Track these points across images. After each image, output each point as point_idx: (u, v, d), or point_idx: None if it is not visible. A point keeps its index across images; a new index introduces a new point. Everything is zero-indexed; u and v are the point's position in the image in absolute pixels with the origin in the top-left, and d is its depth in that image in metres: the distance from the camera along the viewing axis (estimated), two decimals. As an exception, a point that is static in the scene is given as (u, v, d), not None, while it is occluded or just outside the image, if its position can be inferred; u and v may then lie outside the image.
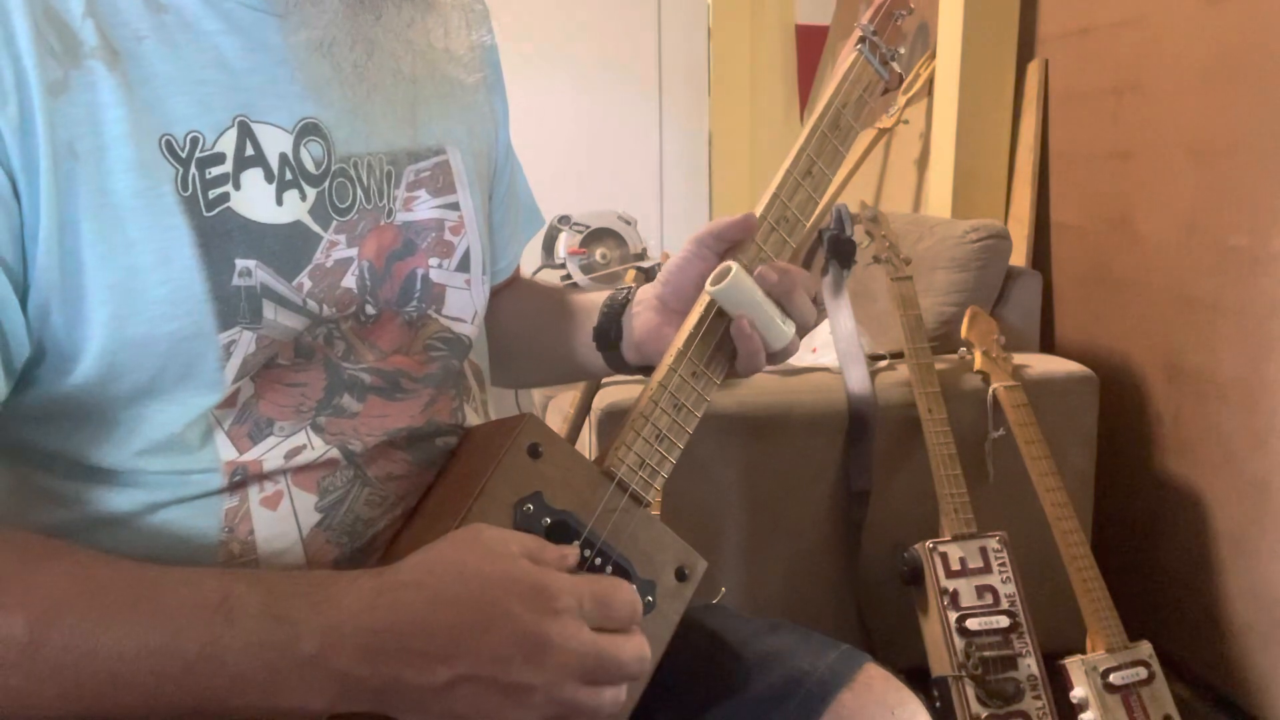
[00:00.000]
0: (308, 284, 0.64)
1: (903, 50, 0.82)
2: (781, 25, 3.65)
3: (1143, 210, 1.84)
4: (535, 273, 2.44)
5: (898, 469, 1.70)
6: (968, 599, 1.54)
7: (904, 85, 2.37)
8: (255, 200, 0.62)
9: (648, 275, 2.21)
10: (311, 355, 0.66)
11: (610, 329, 0.84)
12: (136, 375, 0.59)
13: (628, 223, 2.59)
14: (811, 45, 3.56)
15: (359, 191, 0.67)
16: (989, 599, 1.54)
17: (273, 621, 0.55)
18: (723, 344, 0.74)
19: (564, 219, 2.55)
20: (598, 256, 2.54)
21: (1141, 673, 1.50)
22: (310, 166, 0.64)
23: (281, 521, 0.65)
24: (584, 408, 1.77)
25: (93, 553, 0.57)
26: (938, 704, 1.50)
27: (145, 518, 0.62)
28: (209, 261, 0.59)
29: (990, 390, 1.68)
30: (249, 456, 0.64)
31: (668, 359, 0.73)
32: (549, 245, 2.57)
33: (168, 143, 0.59)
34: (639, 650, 0.60)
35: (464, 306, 0.74)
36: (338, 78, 0.64)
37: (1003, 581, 1.55)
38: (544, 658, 0.56)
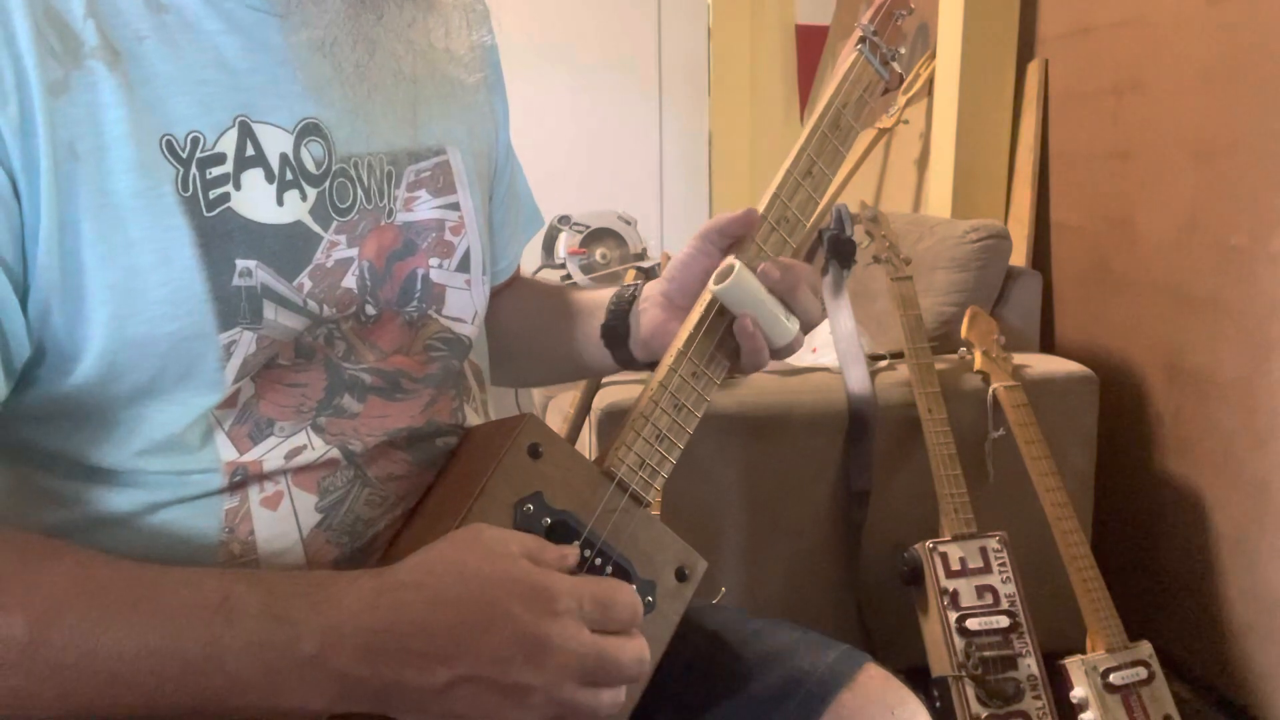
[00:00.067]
0: (308, 284, 0.64)
1: (903, 50, 0.82)
2: (781, 25, 3.65)
3: (1143, 210, 1.84)
4: (535, 272, 2.44)
5: (898, 469, 1.70)
6: (968, 599, 1.54)
7: (904, 85, 2.37)
8: (256, 200, 0.62)
9: (648, 275, 2.21)
10: (312, 355, 0.66)
11: (619, 326, 0.84)
12: (137, 375, 0.59)
13: (628, 223, 2.59)
14: (811, 45, 3.56)
15: (359, 192, 0.67)
16: (989, 599, 1.54)
17: (273, 622, 0.55)
18: (724, 342, 0.74)
19: (564, 219, 2.55)
20: (598, 256, 2.54)
21: (1141, 673, 1.50)
22: (311, 166, 0.64)
23: (282, 522, 0.65)
24: (584, 408, 1.77)
25: (93, 553, 0.57)
26: (938, 704, 1.50)
27: (145, 518, 0.62)
28: (209, 262, 0.59)
29: (990, 390, 1.68)
30: (249, 457, 0.64)
31: (667, 359, 0.73)
32: (549, 245, 2.57)
33: (168, 143, 0.59)
34: (638, 652, 0.60)
35: (464, 307, 0.74)
36: (339, 78, 0.64)
37: (1003, 581, 1.55)
38: (544, 659, 0.56)
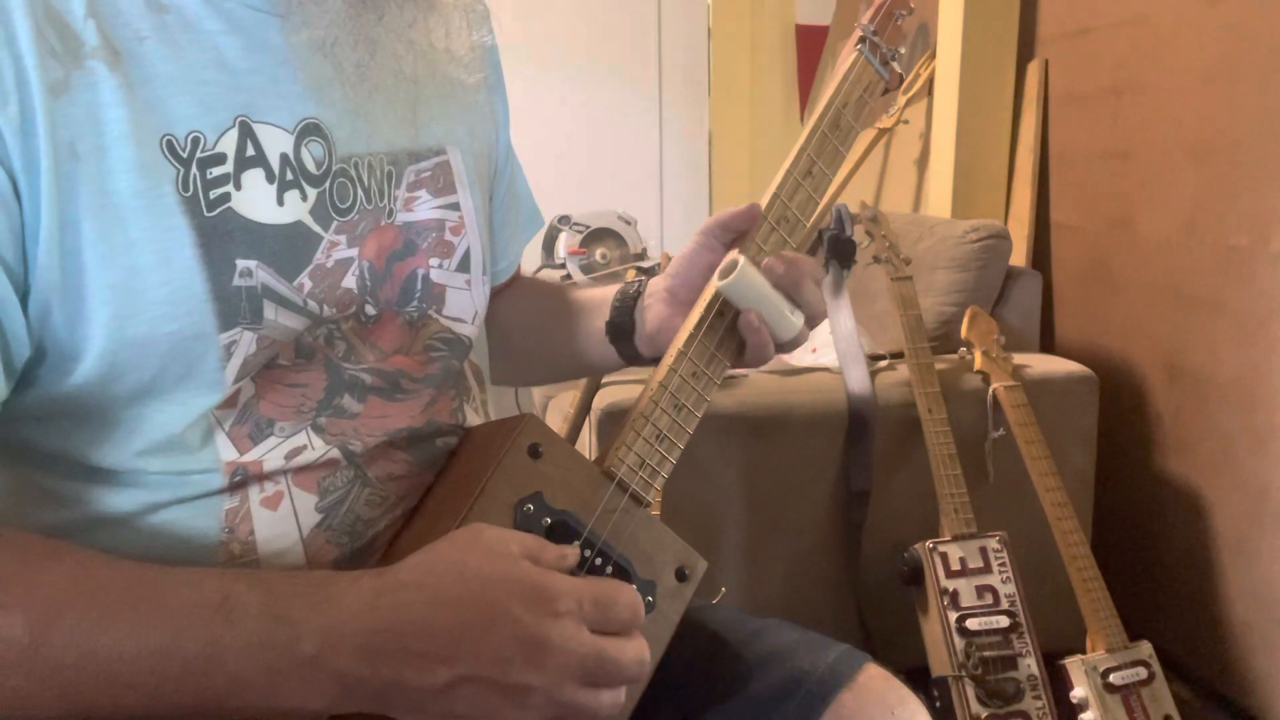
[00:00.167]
0: (308, 284, 0.64)
1: (903, 50, 0.82)
2: (781, 25, 3.65)
3: (1143, 210, 1.84)
4: (535, 272, 2.44)
5: (898, 469, 1.70)
6: (968, 599, 1.54)
7: (904, 85, 2.37)
8: (256, 200, 0.62)
9: (648, 275, 2.21)
10: (312, 355, 0.66)
11: (624, 323, 0.84)
12: (137, 375, 0.59)
13: (628, 223, 2.59)
14: (811, 45, 3.56)
15: (359, 192, 0.67)
16: (989, 599, 1.54)
17: (273, 622, 0.55)
18: (727, 339, 0.74)
19: (564, 219, 2.55)
20: (598, 256, 2.54)
21: (1141, 673, 1.50)
22: (311, 167, 0.64)
23: (282, 522, 0.65)
24: (584, 408, 1.77)
25: (93, 553, 0.57)
26: (938, 704, 1.50)
27: (145, 518, 0.62)
28: (210, 262, 0.59)
29: (990, 390, 1.68)
30: (249, 457, 0.64)
31: (667, 359, 0.73)
32: (549, 245, 2.57)
33: (169, 143, 0.59)
34: (638, 653, 0.60)
35: (464, 307, 0.74)
36: (339, 78, 0.64)
37: (1003, 581, 1.55)
38: (544, 659, 0.56)
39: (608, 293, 0.86)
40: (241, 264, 0.61)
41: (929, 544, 1.57)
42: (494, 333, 0.87)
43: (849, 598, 1.72)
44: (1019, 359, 1.76)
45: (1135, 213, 1.85)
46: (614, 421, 1.59)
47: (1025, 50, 2.17)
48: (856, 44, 0.80)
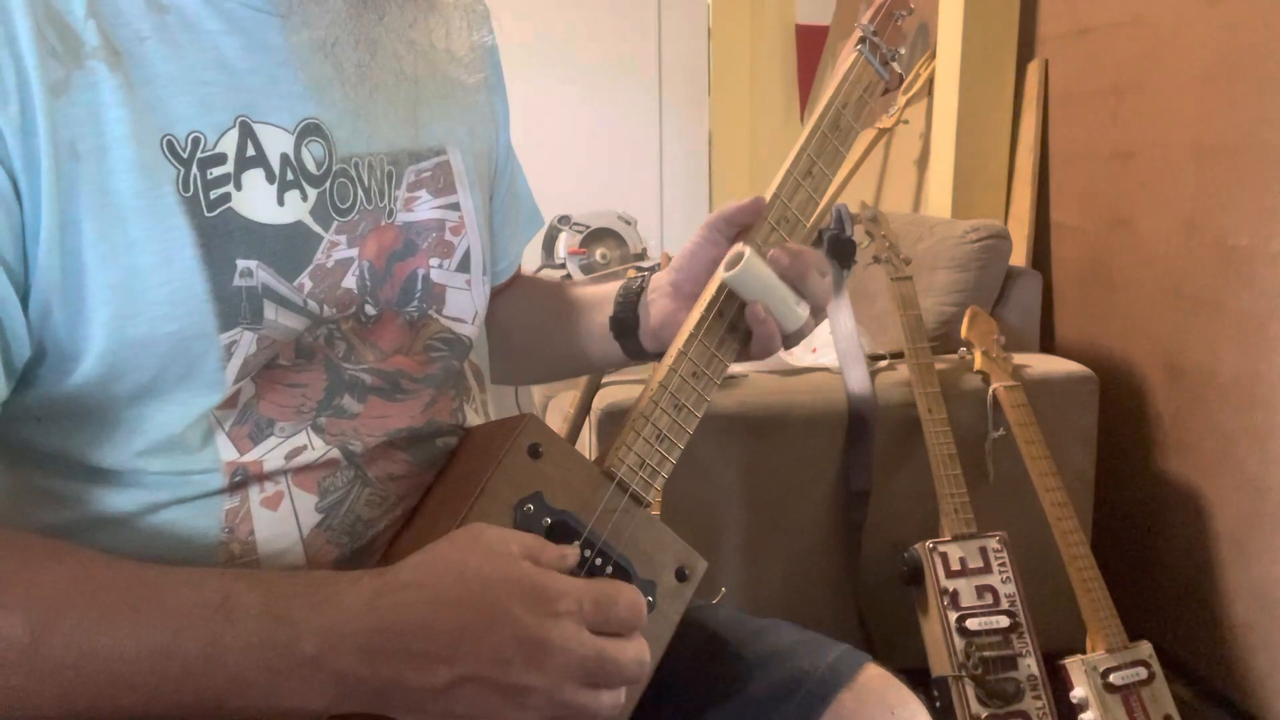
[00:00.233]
0: (308, 284, 0.64)
1: (903, 50, 0.83)
2: (781, 25, 3.65)
3: (1143, 210, 1.84)
4: (536, 272, 2.44)
5: (898, 469, 1.70)
6: (968, 599, 1.54)
7: (904, 85, 2.37)
8: (256, 201, 0.62)
9: (649, 274, 2.21)
10: (312, 356, 0.66)
11: (628, 318, 0.83)
12: (137, 375, 0.59)
13: (628, 223, 2.59)
14: (811, 45, 3.56)
15: (360, 192, 0.67)
16: (989, 599, 1.54)
17: (273, 621, 0.55)
18: (729, 336, 0.74)
19: (564, 219, 2.55)
20: (598, 256, 2.54)
21: (1141, 673, 1.50)
22: (311, 167, 0.64)
23: (282, 522, 0.65)
24: (584, 408, 1.77)
25: (93, 553, 0.57)
26: (938, 704, 1.50)
27: (146, 518, 0.62)
28: (210, 262, 0.59)
29: (990, 390, 1.68)
30: (249, 457, 0.64)
31: (668, 360, 0.73)
32: (549, 245, 2.58)
33: (169, 143, 0.59)
34: (638, 654, 0.60)
35: (464, 307, 0.74)
36: (340, 78, 0.64)
37: (1003, 581, 1.55)
38: (544, 660, 0.56)
39: (609, 289, 0.86)
40: (242, 264, 0.61)
41: (929, 544, 1.57)
42: (494, 332, 0.87)
43: (849, 598, 1.72)
44: (1019, 359, 1.76)
45: (1135, 213, 1.85)
46: (614, 421, 1.59)
47: (1025, 50, 2.17)
48: (856, 44, 0.80)
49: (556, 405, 2.05)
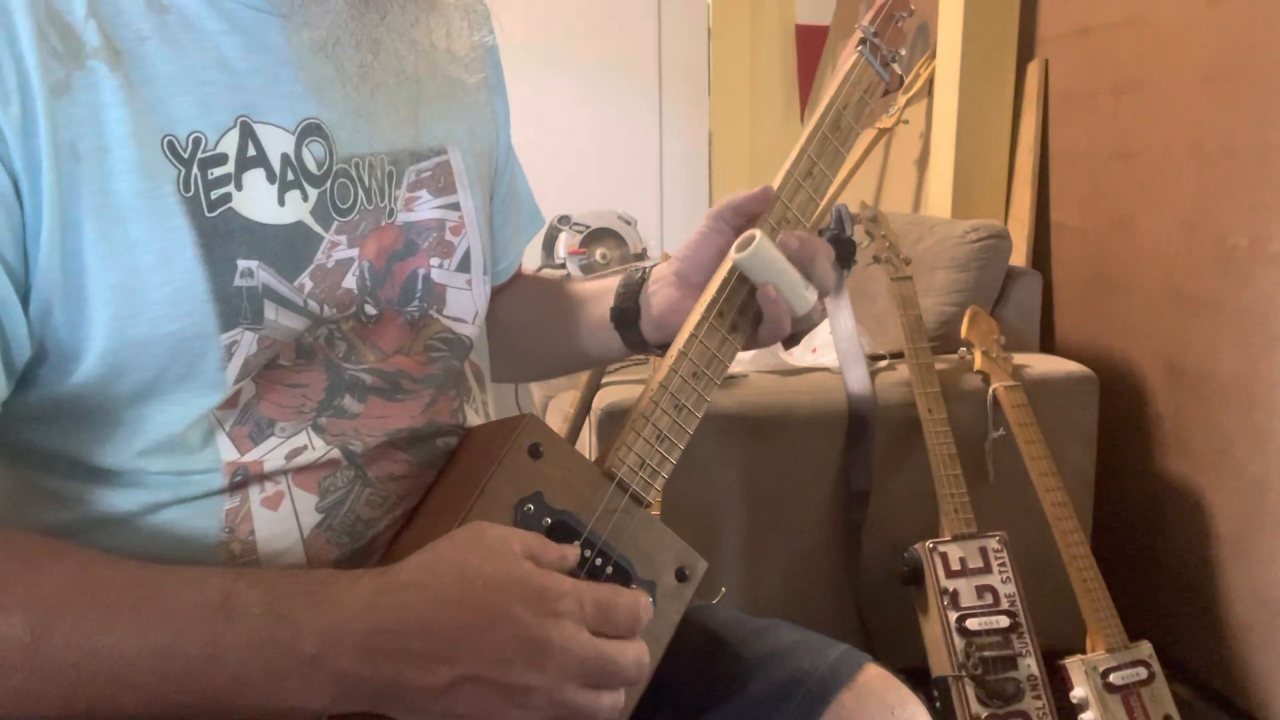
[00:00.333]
0: (309, 284, 0.64)
1: (903, 52, 0.83)
2: (781, 25, 3.65)
3: (1143, 210, 1.84)
4: (536, 272, 2.44)
5: (898, 469, 1.70)
6: (968, 599, 1.54)
7: (904, 85, 2.37)
8: (257, 201, 0.62)
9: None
10: (312, 356, 0.66)
11: (629, 308, 0.83)
12: (138, 376, 0.59)
13: (628, 223, 2.59)
14: (811, 45, 3.56)
15: (360, 192, 0.67)
16: (989, 599, 1.54)
17: (274, 621, 0.55)
18: (740, 318, 0.74)
19: (564, 219, 2.55)
20: (598, 256, 2.54)
21: (1141, 673, 1.50)
22: (312, 167, 0.64)
23: (282, 522, 0.65)
24: (584, 408, 1.77)
25: (94, 553, 0.57)
26: (938, 704, 1.50)
27: (146, 518, 0.62)
28: (211, 262, 0.60)
29: (990, 390, 1.68)
30: (250, 457, 0.64)
31: (668, 360, 0.73)
32: (549, 245, 2.57)
33: (170, 143, 0.59)
34: (638, 655, 0.60)
35: (465, 307, 0.74)
36: (341, 78, 0.64)
37: (1003, 581, 1.55)
38: (545, 660, 0.56)
39: (609, 282, 0.86)
40: (242, 264, 0.61)
41: (929, 544, 1.57)
42: (495, 330, 0.87)
43: (849, 598, 1.72)
44: (1019, 359, 1.76)
45: (1135, 213, 1.85)
46: (614, 421, 1.59)
47: (1025, 50, 2.17)
48: (857, 45, 0.80)
49: (556, 405, 2.05)
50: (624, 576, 0.68)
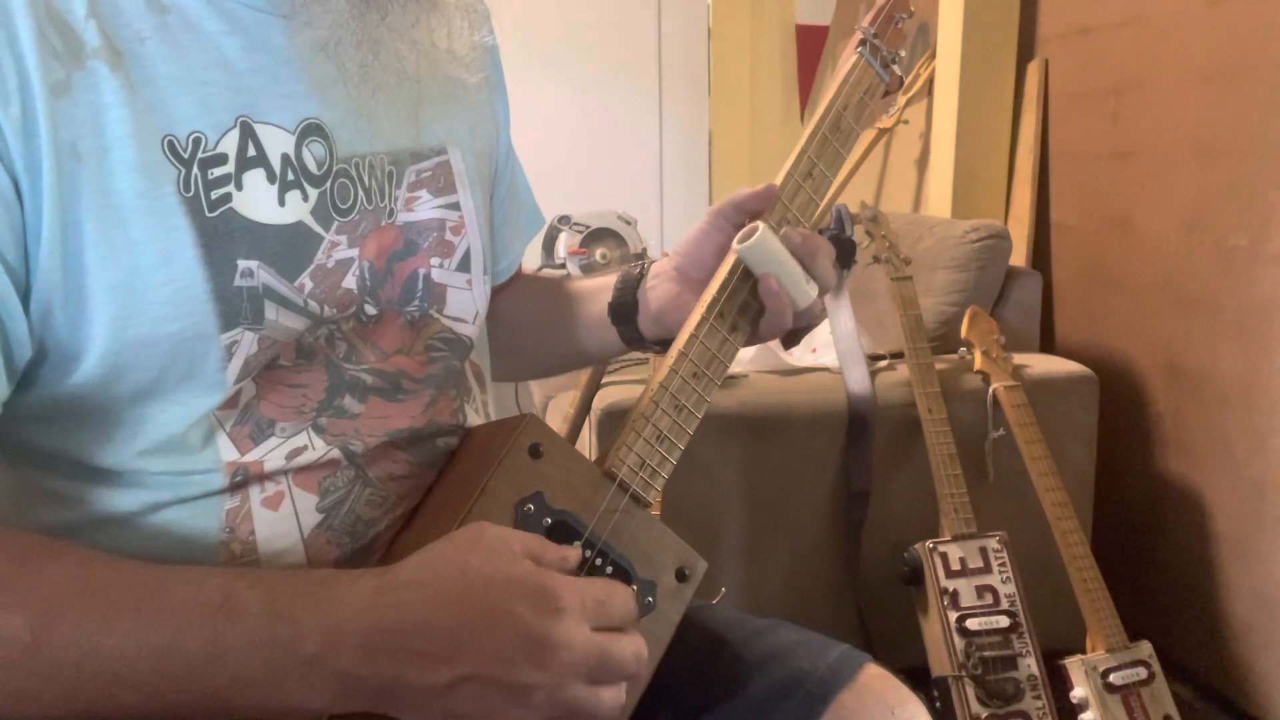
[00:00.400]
0: (309, 284, 0.64)
1: (903, 53, 0.83)
2: (781, 25, 3.65)
3: (1143, 210, 1.84)
4: (536, 271, 2.44)
5: (898, 469, 1.70)
6: (968, 599, 1.54)
7: (904, 86, 2.37)
8: (257, 201, 0.62)
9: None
10: (313, 356, 0.66)
11: (627, 303, 0.83)
12: (138, 376, 0.59)
13: (628, 223, 2.59)
14: (811, 45, 3.56)
15: (360, 192, 0.67)
16: (989, 599, 1.54)
17: (274, 620, 0.56)
18: (742, 315, 0.74)
19: (564, 219, 2.55)
20: (598, 256, 2.54)
21: (1141, 673, 1.50)
22: (312, 167, 0.65)
23: (282, 522, 0.65)
24: (584, 408, 1.77)
25: (94, 553, 0.57)
26: (938, 704, 1.50)
27: (146, 518, 0.62)
28: (211, 262, 0.60)
29: (990, 390, 1.68)
30: (250, 457, 0.64)
31: (668, 360, 0.73)
32: (549, 245, 2.57)
33: (170, 143, 0.59)
34: (637, 649, 0.60)
35: (465, 307, 0.74)
36: (342, 78, 0.64)
37: (1003, 581, 1.56)
38: (546, 658, 0.56)
39: (608, 279, 0.86)
40: (243, 264, 0.61)
41: (929, 544, 1.57)
42: (496, 330, 0.87)
43: (849, 598, 1.72)
44: (1019, 359, 1.76)
45: (1135, 213, 1.85)
46: (614, 421, 1.59)
47: (1025, 50, 2.17)
48: (857, 46, 0.80)
49: (556, 405, 2.05)
50: (624, 577, 0.68)
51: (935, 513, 1.61)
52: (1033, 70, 2.12)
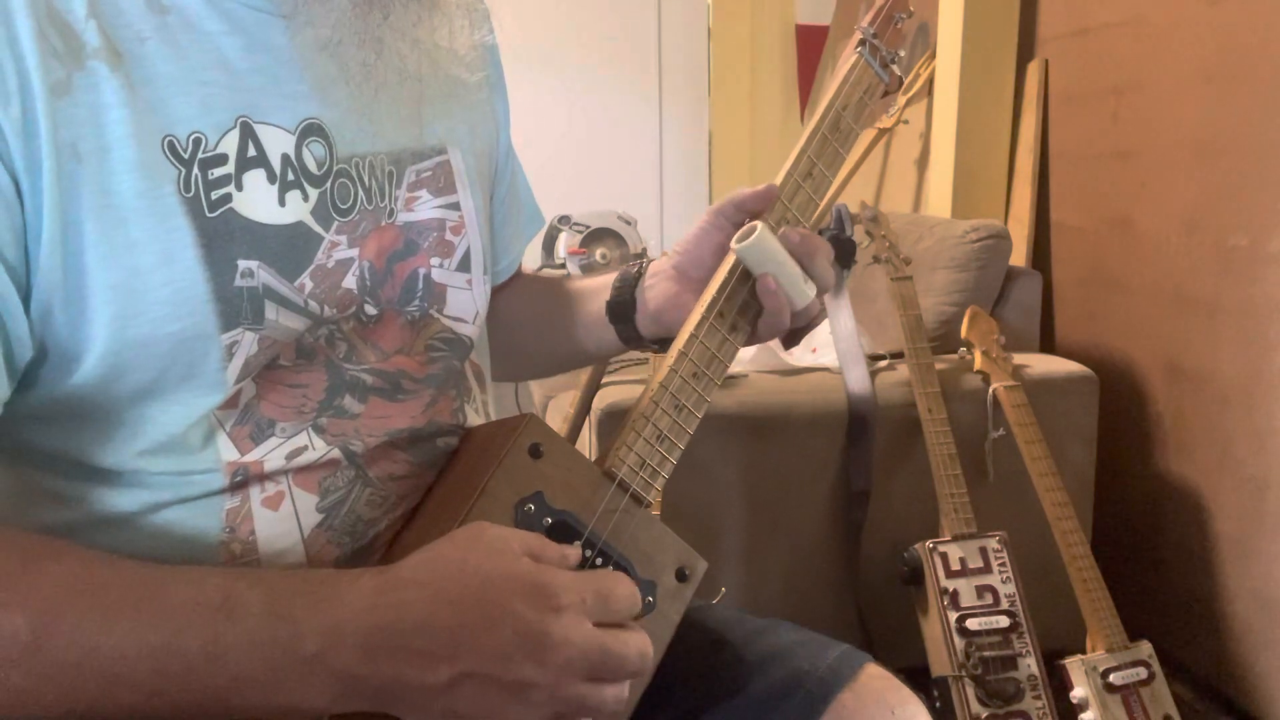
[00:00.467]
0: (309, 285, 0.64)
1: (903, 53, 0.83)
2: (781, 25, 3.65)
3: (1143, 210, 1.84)
4: (536, 271, 2.44)
5: (898, 469, 1.70)
6: (968, 599, 1.54)
7: (904, 86, 2.37)
8: (257, 201, 0.62)
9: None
10: (313, 356, 0.66)
11: (625, 301, 0.83)
12: (139, 376, 0.59)
13: (628, 223, 2.59)
14: (811, 45, 3.56)
15: (360, 192, 0.67)
16: (989, 599, 1.54)
17: (275, 620, 0.56)
18: (741, 316, 0.74)
19: (564, 219, 2.55)
20: (598, 256, 2.54)
21: (1141, 673, 1.50)
22: (312, 167, 0.65)
23: (283, 522, 0.65)
24: (584, 408, 1.77)
25: (94, 552, 0.57)
26: (938, 704, 1.50)
27: (147, 518, 0.62)
28: (211, 262, 0.60)
29: (990, 390, 1.68)
30: (250, 457, 0.64)
31: (668, 360, 0.73)
32: (549, 245, 2.57)
33: (170, 144, 0.59)
34: (641, 645, 0.60)
35: (465, 306, 0.74)
36: (344, 77, 0.64)
37: (1003, 581, 1.56)
38: (547, 655, 0.56)
39: (607, 278, 0.86)
40: (243, 264, 0.61)
41: (929, 544, 1.57)
42: (496, 330, 0.87)
43: (849, 598, 1.72)
44: (1019, 359, 1.76)
45: (1135, 213, 1.85)
46: (614, 421, 1.59)
47: (1025, 50, 2.17)
48: (856, 47, 0.80)
49: (556, 405, 2.05)
50: (624, 576, 0.68)
51: (935, 513, 1.61)
52: (1033, 70, 2.12)
